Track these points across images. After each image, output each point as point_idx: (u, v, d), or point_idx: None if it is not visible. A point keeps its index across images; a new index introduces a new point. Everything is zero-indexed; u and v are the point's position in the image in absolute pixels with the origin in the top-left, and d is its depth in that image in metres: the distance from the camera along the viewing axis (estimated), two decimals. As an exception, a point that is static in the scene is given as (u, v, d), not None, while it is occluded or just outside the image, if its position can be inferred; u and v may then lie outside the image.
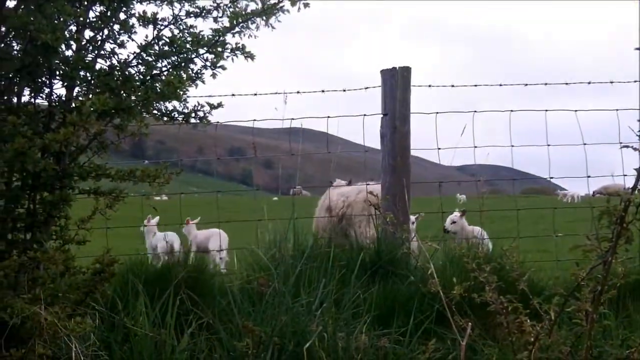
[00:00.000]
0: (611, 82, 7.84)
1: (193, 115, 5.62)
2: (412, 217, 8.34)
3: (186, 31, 5.49)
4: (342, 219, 8.97)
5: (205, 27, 5.63)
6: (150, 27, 5.43)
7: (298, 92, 7.77)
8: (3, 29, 4.96)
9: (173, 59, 5.46)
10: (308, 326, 5.02)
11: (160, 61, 5.44)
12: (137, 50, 5.41)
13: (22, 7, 4.92)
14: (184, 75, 5.34)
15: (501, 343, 5.05)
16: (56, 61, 5.06)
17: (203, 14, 5.50)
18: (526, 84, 8.19)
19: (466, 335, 4.24)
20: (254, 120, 7.49)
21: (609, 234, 3.87)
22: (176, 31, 5.49)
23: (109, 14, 5.29)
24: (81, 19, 5.17)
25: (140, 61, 5.43)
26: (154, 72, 5.41)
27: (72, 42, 5.21)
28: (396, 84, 7.37)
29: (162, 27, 5.45)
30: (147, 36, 5.45)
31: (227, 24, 5.46)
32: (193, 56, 5.47)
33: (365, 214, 8.64)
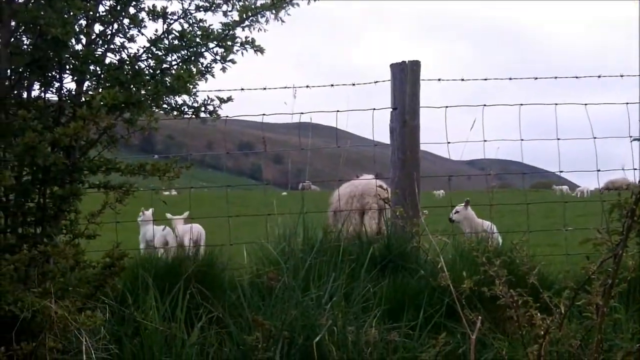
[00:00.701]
0: (621, 76, 7.82)
1: (203, 109, 5.61)
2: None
3: (196, 25, 5.48)
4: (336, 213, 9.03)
5: (214, 21, 5.62)
6: (160, 21, 5.43)
7: (307, 87, 7.77)
8: (13, 23, 4.97)
9: (183, 53, 5.45)
10: (318, 320, 5.03)
11: (170, 55, 5.43)
12: (147, 45, 5.41)
13: (32, 1, 4.93)
14: (194, 69, 5.34)
15: (511, 337, 5.05)
16: (66, 55, 5.06)
17: (213, 8, 5.49)
18: (536, 78, 8.18)
19: (476, 329, 4.24)
20: (263, 114, 7.49)
21: (620, 227, 3.86)
22: (186, 25, 5.48)
23: (118, 8, 5.30)
24: (91, 13, 5.17)
25: (150, 55, 5.43)
26: (164, 66, 5.41)
27: (82, 37, 5.21)
28: (406, 78, 7.37)
29: (171, 21, 5.45)
30: (156, 30, 5.44)
31: (236, 18, 5.46)
32: (203, 50, 5.46)
33: (348, 208, 8.71)
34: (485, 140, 7.39)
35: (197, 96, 5.56)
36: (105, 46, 5.36)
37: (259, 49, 5.53)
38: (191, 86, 5.26)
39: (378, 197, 8.17)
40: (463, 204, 12.35)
